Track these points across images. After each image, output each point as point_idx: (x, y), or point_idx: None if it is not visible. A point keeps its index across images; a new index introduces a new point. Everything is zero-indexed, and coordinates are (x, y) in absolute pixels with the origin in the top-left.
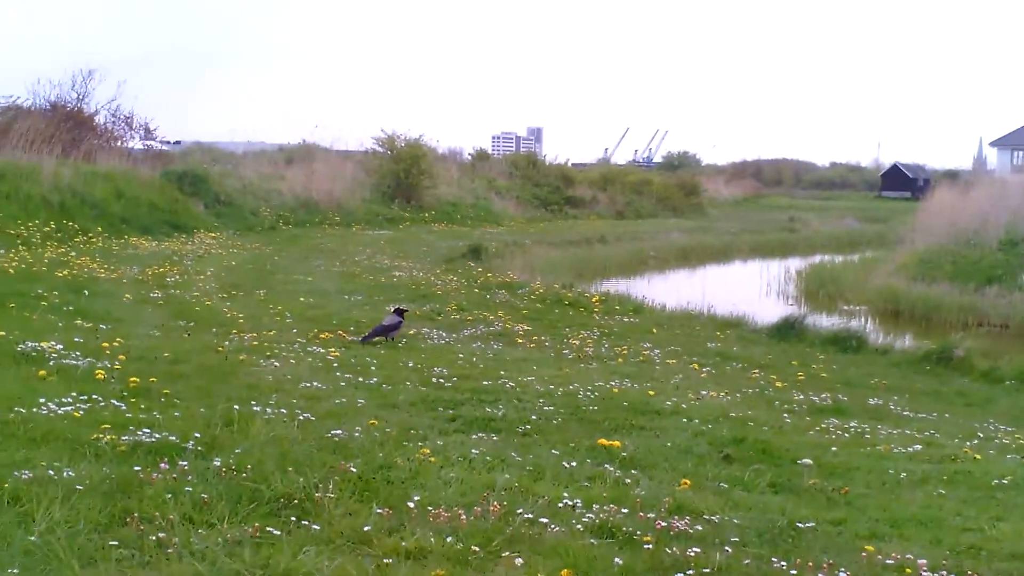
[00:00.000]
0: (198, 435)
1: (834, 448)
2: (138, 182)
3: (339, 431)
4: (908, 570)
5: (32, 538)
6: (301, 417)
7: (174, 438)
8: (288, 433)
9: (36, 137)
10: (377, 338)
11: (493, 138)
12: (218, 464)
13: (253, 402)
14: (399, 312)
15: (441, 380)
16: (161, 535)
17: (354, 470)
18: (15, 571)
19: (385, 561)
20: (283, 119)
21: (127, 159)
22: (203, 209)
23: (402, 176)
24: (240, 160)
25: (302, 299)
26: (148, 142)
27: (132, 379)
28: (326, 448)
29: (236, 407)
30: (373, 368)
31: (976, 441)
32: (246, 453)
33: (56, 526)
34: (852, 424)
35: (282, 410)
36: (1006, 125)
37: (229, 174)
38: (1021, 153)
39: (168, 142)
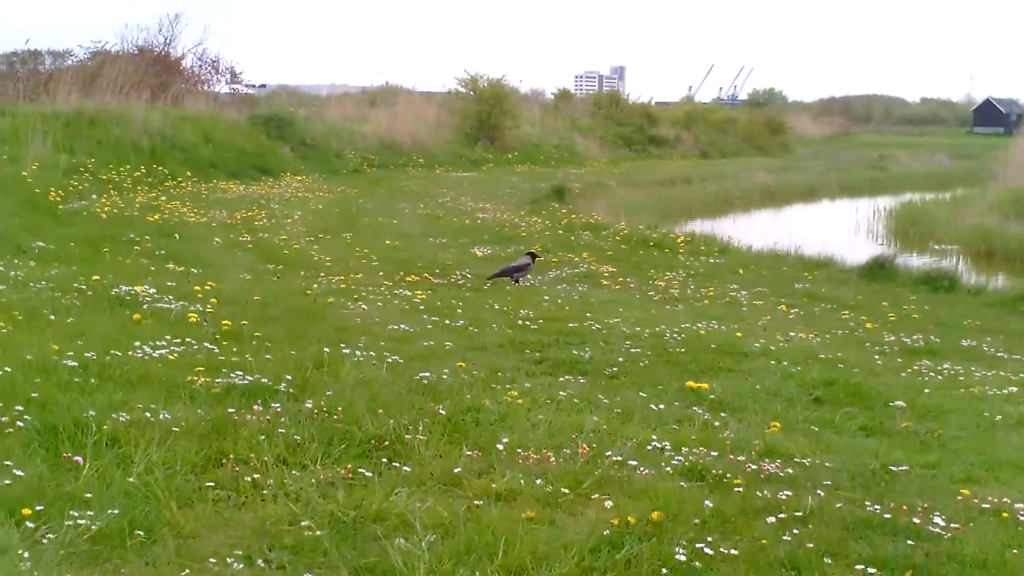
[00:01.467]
0: (289, 377)
1: (927, 390)
2: (225, 126)
3: (427, 373)
4: (1005, 514)
5: (131, 479)
6: (390, 359)
7: (266, 380)
8: (377, 375)
9: (125, 82)
10: (504, 277)
11: (576, 77)
12: (310, 406)
13: (342, 344)
14: (531, 255)
15: (527, 322)
16: (256, 476)
17: (443, 412)
18: (115, 512)
19: (476, 503)
20: (367, 61)
21: (214, 103)
22: (289, 152)
23: (485, 117)
24: (324, 103)
25: (387, 242)
26: (234, 86)
27: (224, 322)
28: (415, 390)
29: (326, 349)
30: (459, 311)
31: None
32: (337, 395)
33: (154, 467)
34: (945, 366)
35: (371, 352)
36: None
37: (314, 117)
38: None
39: (254, 86)
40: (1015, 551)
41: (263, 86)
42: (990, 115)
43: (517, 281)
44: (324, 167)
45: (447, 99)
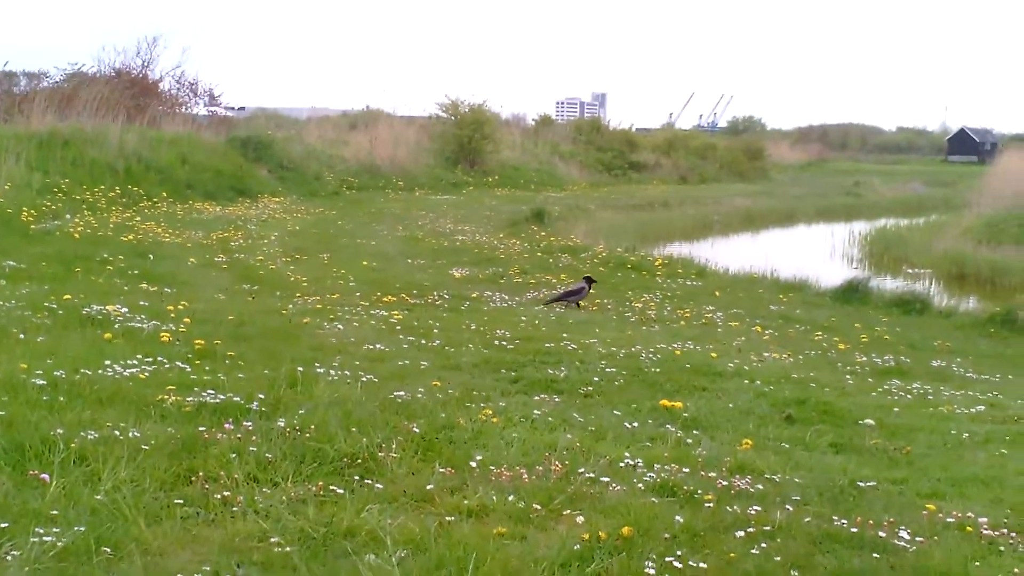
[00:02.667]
0: (262, 396)
1: (896, 409)
2: (203, 148)
3: (402, 392)
4: (968, 528)
5: (99, 497)
6: (364, 378)
7: (239, 399)
8: (351, 394)
9: (101, 104)
10: (561, 301)
11: (557, 104)
12: (282, 424)
13: (317, 364)
14: (588, 280)
15: (503, 342)
16: (226, 493)
17: (417, 430)
18: (81, 528)
19: (447, 519)
20: (347, 85)
21: (192, 125)
22: (267, 174)
23: (465, 141)
24: (304, 126)
25: (365, 263)
26: (212, 108)
27: (197, 341)
28: (389, 409)
29: (300, 368)
30: (436, 331)
31: None
32: (310, 413)
33: (122, 485)
34: (915, 386)
35: (345, 371)
36: None
37: (293, 139)
38: None
39: (232, 108)
40: (978, 564)
41: (242, 108)
42: (964, 144)
43: (577, 305)
44: (303, 189)
45: (428, 123)
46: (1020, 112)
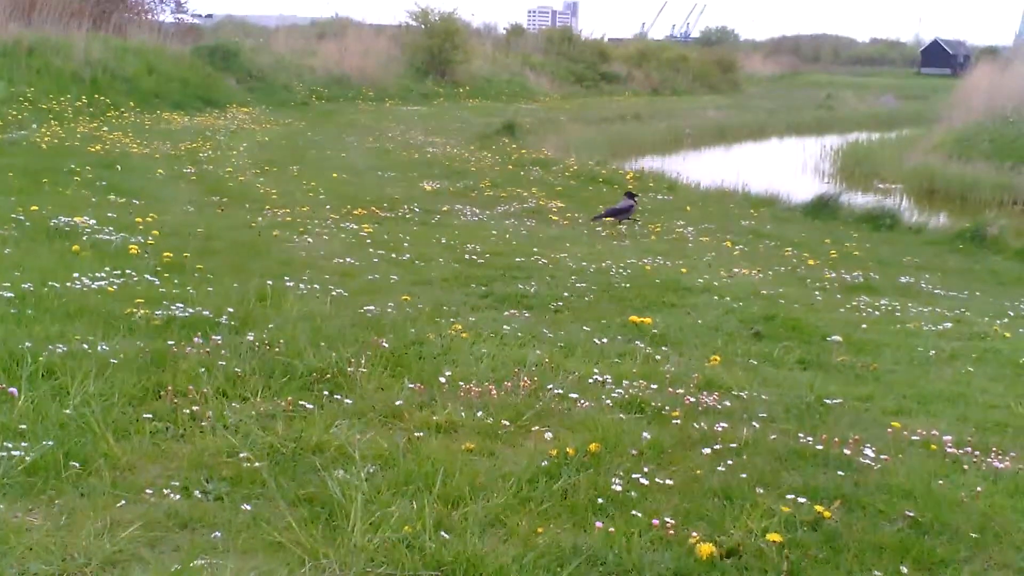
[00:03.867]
0: (231, 310)
1: (864, 325)
2: (169, 57)
3: (371, 307)
4: (933, 446)
5: (67, 411)
6: (334, 293)
7: (208, 313)
8: (321, 309)
9: (64, 10)
10: (607, 219)
11: (529, 12)
12: (251, 339)
13: (286, 278)
14: (630, 195)
15: (474, 257)
16: (195, 408)
17: (386, 346)
18: (50, 443)
19: (416, 434)
20: None
21: (158, 33)
22: (235, 84)
23: (436, 51)
24: (272, 34)
25: (335, 175)
26: (179, 16)
27: (165, 254)
28: (359, 324)
29: (269, 283)
30: (406, 245)
31: (1006, 319)
32: (279, 328)
33: (90, 399)
34: (883, 302)
35: (315, 286)
36: None
37: (261, 49)
38: None
39: (199, 16)
40: (941, 481)
41: (209, 16)
42: (938, 56)
43: (622, 222)
44: (272, 100)
45: (398, 32)
46: (993, 24)
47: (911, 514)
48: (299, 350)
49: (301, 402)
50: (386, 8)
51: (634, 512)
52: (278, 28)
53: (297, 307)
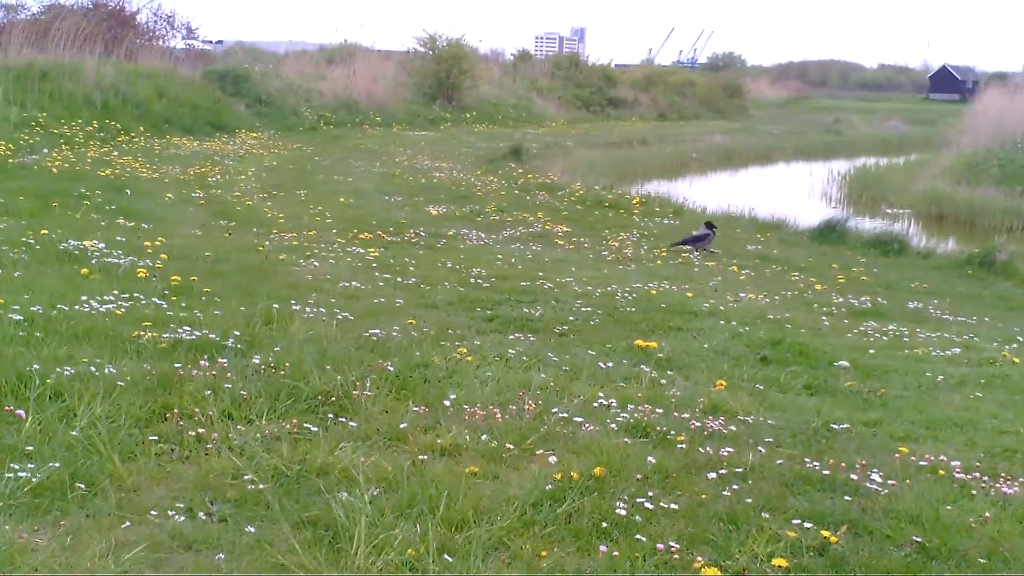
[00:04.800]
0: (238, 333)
1: (872, 351)
2: (180, 82)
3: (377, 330)
4: (941, 471)
5: (74, 432)
6: (340, 316)
7: (214, 336)
8: (326, 331)
9: (78, 36)
10: (685, 246)
11: (536, 39)
12: (257, 361)
13: (292, 301)
14: (710, 225)
15: (479, 280)
16: (200, 430)
17: (391, 368)
18: (56, 464)
19: (420, 457)
20: (325, 18)
21: (169, 59)
22: (245, 109)
23: (443, 77)
24: (282, 60)
25: (342, 199)
26: (190, 41)
27: (173, 278)
28: (364, 347)
29: (276, 306)
30: (412, 268)
31: (1015, 345)
32: (285, 351)
33: (97, 421)
34: (891, 327)
35: (321, 309)
36: None
37: (271, 74)
38: None
39: (210, 42)
40: (948, 507)
41: (220, 42)
42: (946, 82)
43: (698, 251)
44: (280, 124)
45: (406, 58)
46: (1002, 50)
47: (918, 539)
48: (304, 373)
49: (306, 424)
50: (394, 34)
51: (638, 536)
52: (287, 53)
53: (303, 330)
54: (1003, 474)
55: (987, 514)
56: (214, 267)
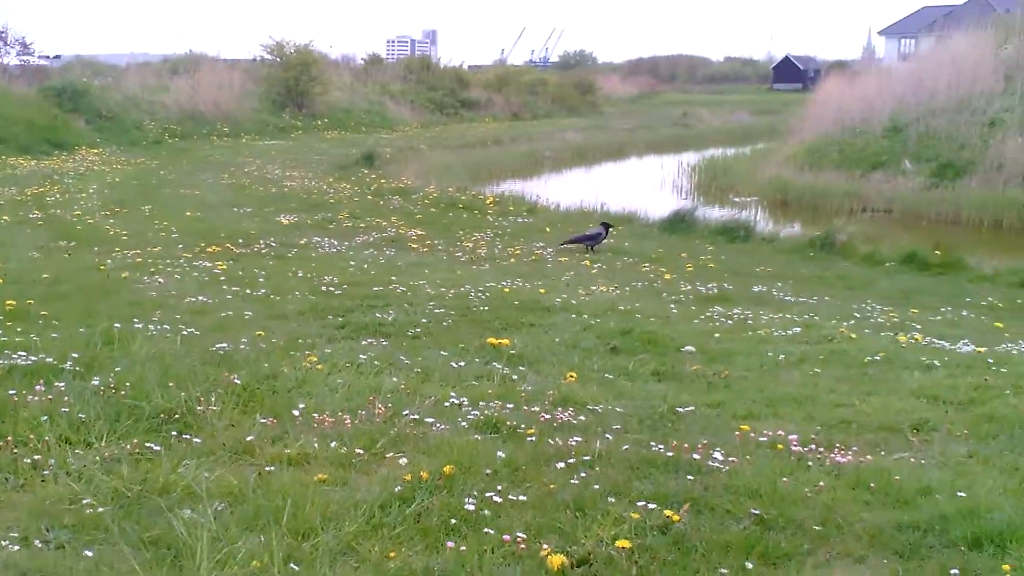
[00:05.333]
0: (76, 355)
1: (717, 335)
2: (14, 100)
3: (224, 344)
4: (780, 446)
5: None
6: (185, 332)
7: (51, 359)
8: (170, 348)
9: None
10: (574, 245)
11: (387, 42)
12: (97, 383)
13: (135, 319)
14: (605, 225)
15: (331, 288)
16: (36, 457)
17: (238, 381)
18: None
19: (267, 469)
20: (168, 28)
21: (2, 76)
22: (85, 125)
23: (292, 84)
24: (123, 73)
25: (189, 213)
26: (25, 58)
27: (8, 302)
28: (210, 361)
29: (117, 325)
30: (261, 280)
31: (852, 321)
32: (126, 371)
33: None
34: (736, 311)
35: (165, 326)
36: (894, 14)
37: (111, 88)
38: (908, 41)
39: (47, 57)
40: (786, 479)
41: (57, 57)
42: (789, 71)
43: (591, 249)
44: (123, 139)
45: (253, 66)
46: (843, 39)
47: (757, 512)
48: (147, 391)
49: (148, 444)
50: (241, 43)
51: (487, 530)
52: (129, 66)
53: (146, 348)
54: (838, 445)
55: (821, 483)
56: (52, 289)
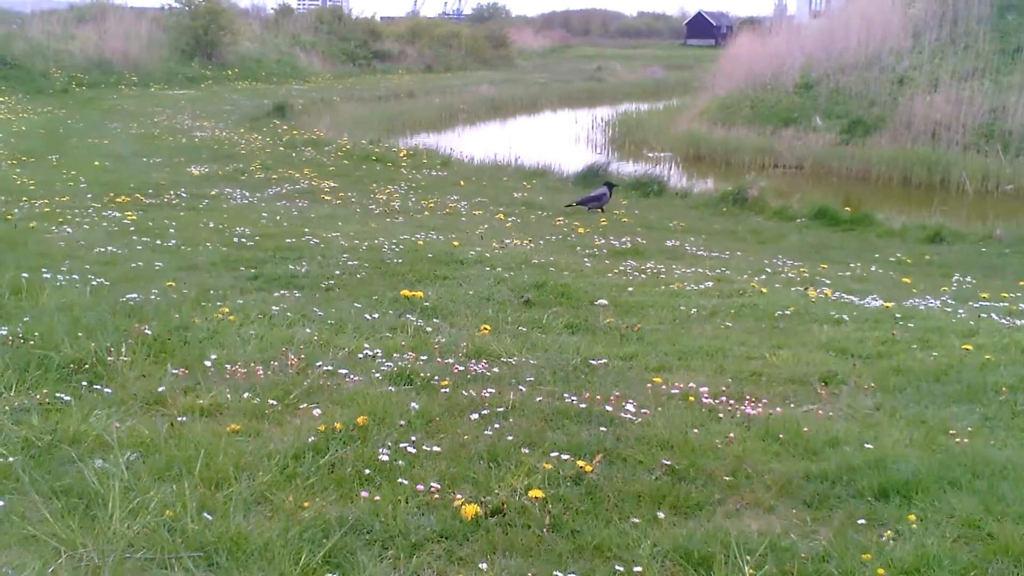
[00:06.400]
0: None
1: (630, 288)
2: None
3: (134, 295)
4: (691, 398)
5: None
6: (95, 283)
7: None
8: (80, 299)
9: None
10: (580, 206)
11: None
12: (4, 333)
13: (44, 270)
14: (609, 185)
15: (243, 240)
16: None
17: (149, 332)
18: None
19: (179, 419)
20: None
21: None
22: None
23: (201, 33)
24: (28, 20)
25: (97, 163)
26: None
27: None
28: (120, 312)
29: (25, 275)
30: (172, 231)
31: (764, 276)
32: (35, 321)
33: None
34: (649, 265)
35: (74, 276)
36: None
37: (16, 35)
38: None
39: None
40: (696, 431)
41: None
42: (702, 28)
43: (601, 209)
44: (28, 87)
45: (161, 15)
46: None
47: (668, 463)
48: (56, 342)
49: (58, 394)
50: None
51: (401, 480)
52: (34, 13)
53: (54, 299)
54: (748, 396)
55: (731, 435)
56: None
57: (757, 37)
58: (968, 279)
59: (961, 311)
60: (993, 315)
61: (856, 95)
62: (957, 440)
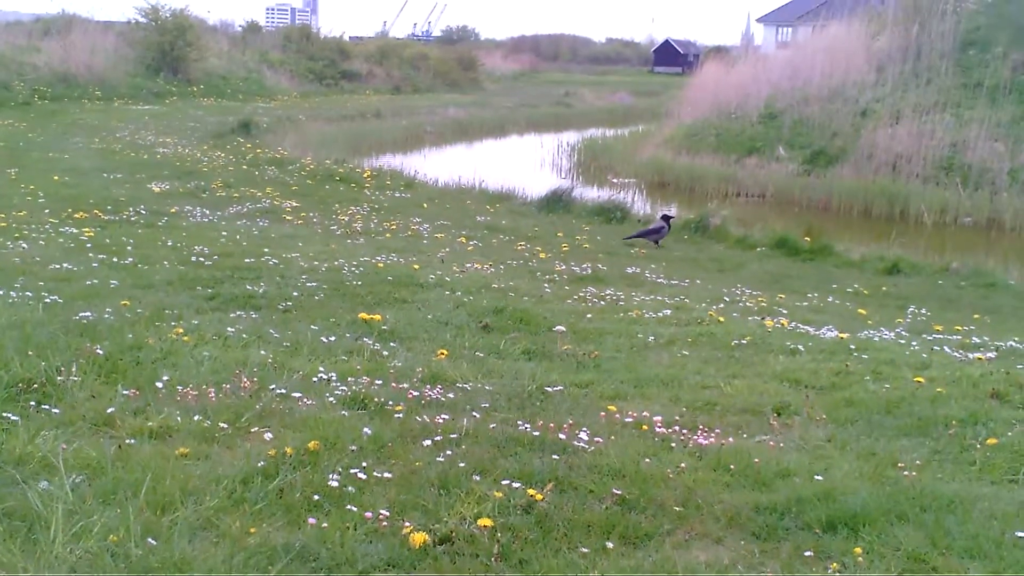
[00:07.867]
0: None
1: (589, 315)
2: None
3: (88, 313)
4: (645, 427)
5: None
6: (48, 299)
7: None
8: (32, 316)
9: None
10: (638, 239)
11: (267, 10)
12: None
13: None
14: (666, 218)
15: (201, 259)
16: None
17: (101, 352)
18: None
19: (128, 441)
20: None
21: None
22: None
23: (168, 48)
24: None
25: (56, 178)
26: None
27: None
28: (73, 331)
29: None
30: (129, 248)
31: (722, 305)
32: None
33: None
34: (608, 292)
35: (28, 293)
36: (773, 1)
37: None
38: (786, 29)
39: None
40: (648, 460)
41: None
42: (669, 55)
43: (657, 243)
44: None
45: (127, 29)
46: (722, 25)
47: (619, 492)
48: (5, 360)
49: (5, 413)
50: (115, 5)
51: (349, 507)
52: None
53: (6, 315)
54: (702, 426)
55: (683, 464)
56: None
57: (723, 66)
58: (923, 311)
59: (915, 343)
60: (946, 348)
61: (819, 126)
62: (906, 473)
